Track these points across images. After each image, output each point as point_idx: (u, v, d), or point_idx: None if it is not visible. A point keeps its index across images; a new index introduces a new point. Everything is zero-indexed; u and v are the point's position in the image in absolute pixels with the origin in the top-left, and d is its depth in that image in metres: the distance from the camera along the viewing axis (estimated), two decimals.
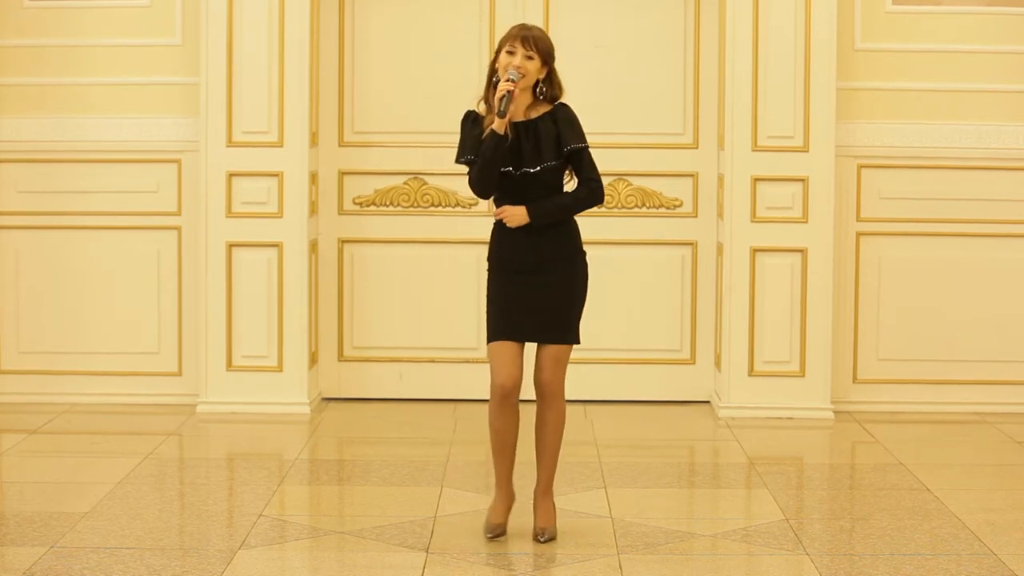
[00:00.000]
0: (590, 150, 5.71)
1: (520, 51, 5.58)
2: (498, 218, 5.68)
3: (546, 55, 5.61)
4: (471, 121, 5.67)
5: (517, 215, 5.64)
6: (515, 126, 5.62)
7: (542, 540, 5.70)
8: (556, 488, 6.48)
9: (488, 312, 5.73)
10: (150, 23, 8.08)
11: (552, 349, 5.70)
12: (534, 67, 5.59)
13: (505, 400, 5.65)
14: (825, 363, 7.97)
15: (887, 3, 8.07)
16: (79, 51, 8.09)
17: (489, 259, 5.78)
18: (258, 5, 7.85)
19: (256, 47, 7.87)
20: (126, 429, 7.68)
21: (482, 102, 5.71)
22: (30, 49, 8.09)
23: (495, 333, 5.68)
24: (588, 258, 8.30)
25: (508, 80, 5.51)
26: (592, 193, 5.71)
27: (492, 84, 5.65)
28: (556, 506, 5.87)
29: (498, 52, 5.65)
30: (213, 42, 7.87)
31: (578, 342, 5.80)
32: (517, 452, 5.78)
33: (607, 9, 8.19)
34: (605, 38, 8.21)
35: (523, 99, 5.65)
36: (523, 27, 5.66)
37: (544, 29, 8.11)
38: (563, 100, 5.75)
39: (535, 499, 5.80)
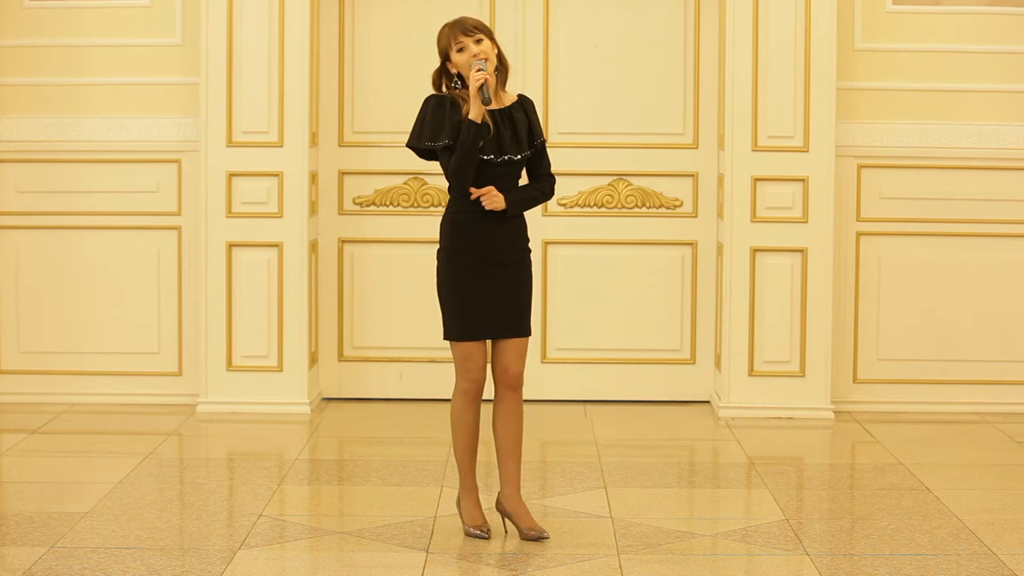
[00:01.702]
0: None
1: (468, 41, 5.59)
2: (478, 196, 5.61)
3: (489, 32, 5.65)
4: (449, 105, 5.63)
5: (498, 200, 5.62)
6: (491, 114, 5.62)
7: (545, 537, 5.67)
8: (556, 488, 6.50)
9: (446, 307, 5.70)
10: (150, 23, 8.09)
11: (516, 342, 5.70)
12: (488, 47, 5.61)
13: (477, 396, 5.69)
14: (825, 363, 7.97)
15: (887, 3, 8.08)
16: (79, 51, 8.09)
17: (443, 249, 5.73)
18: (258, 5, 7.85)
19: (256, 47, 7.87)
20: (126, 429, 7.68)
21: (448, 95, 5.69)
22: (30, 49, 8.09)
23: (461, 333, 5.66)
24: (588, 258, 8.32)
25: (480, 70, 5.51)
26: (552, 188, 5.83)
27: (451, 87, 5.64)
28: (556, 506, 5.87)
29: (445, 58, 5.63)
30: (213, 42, 7.87)
31: (531, 333, 5.79)
32: (485, 452, 5.76)
33: (607, 9, 8.19)
34: (605, 38, 8.21)
35: (491, 84, 5.65)
36: (454, 23, 5.66)
37: (545, 28, 8.15)
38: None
39: (510, 502, 5.71)
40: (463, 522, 5.79)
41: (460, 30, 5.61)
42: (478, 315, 5.65)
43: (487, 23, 8.08)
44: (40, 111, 8.12)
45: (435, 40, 5.68)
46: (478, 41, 5.58)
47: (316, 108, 8.14)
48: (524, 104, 5.73)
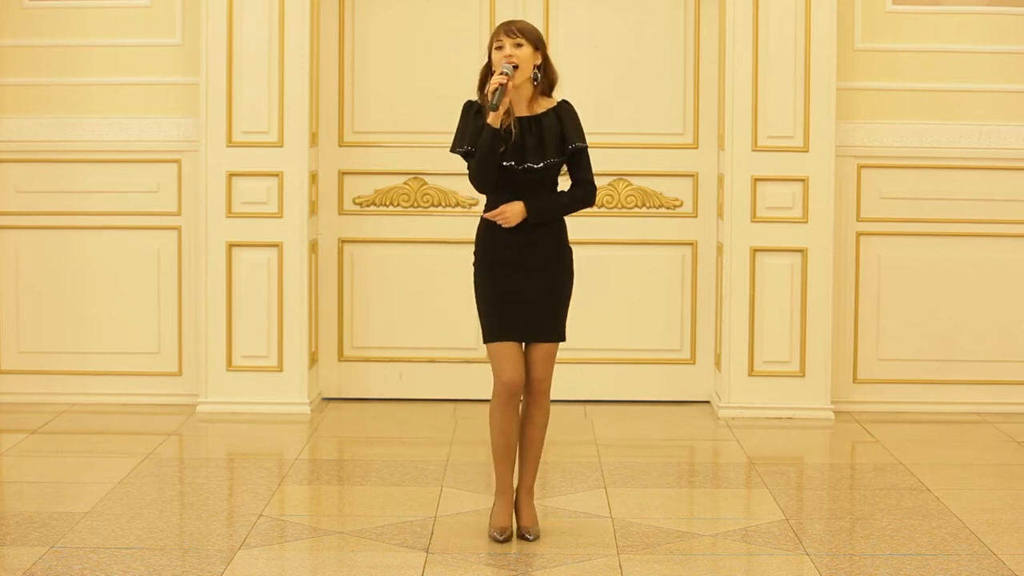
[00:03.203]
0: (589, 151, 5.71)
1: (507, 42, 5.57)
2: (494, 219, 5.64)
3: (535, 40, 5.60)
4: (474, 111, 5.65)
5: (515, 213, 5.62)
6: (518, 121, 5.61)
7: (530, 539, 5.69)
8: (556, 488, 6.49)
9: (482, 310, 5.71)
10: (150, 23, 8.09)
11: (544, 347, 5.70)
12: (526, 54, 5.58)
13: (511, 399, 5.66)
14: (825, 363, 7.97)
15: (887, 3, 8.08)
16: (79, 51, 8.09)
17: (476, 254, 5.73)
18: (258, 5, 7.85)
19: (256, 47, 7.87)
20: (126, 429, 7.68)
21: (478, 100, 5.71)
22: (30, 49, 8.09)
23: (495, 334, 5.66)
24: (588, 258, 8.31)
25: (501, 73, 5.51)
26: (588, 196, 5.74)
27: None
28: (556, 506, 5.87)
29: (489, 54, 5.65)
30: (213, 42, 7.87)
31: (565, 339, 5.79)
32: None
33: (607, 9, 8.19)
34: (605, 38, 8.21)
35: (524, 92, 5.63)
36: (506, 22, 5.66)
37: (545, 28, 8.14)
38: (564, 97, 5.75)
39: (518, 498, 5.78)
40: (489, 522, 5.80)
41: (504, 30, 5.60)
42: (507, 318, 5.64)
43: (487, 23, 8.11)
44: (40, 111, 8.12)
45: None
46: (518, 45, 5.57)
47: (316, 108, 8.14)
48: (559, 110, 5.68)
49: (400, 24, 8.20)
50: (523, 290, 5.65)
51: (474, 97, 5.70)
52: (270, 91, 7.89)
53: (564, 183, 5.78)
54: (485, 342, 5.71)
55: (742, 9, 7.84)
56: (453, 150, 5.70)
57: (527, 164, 5.61)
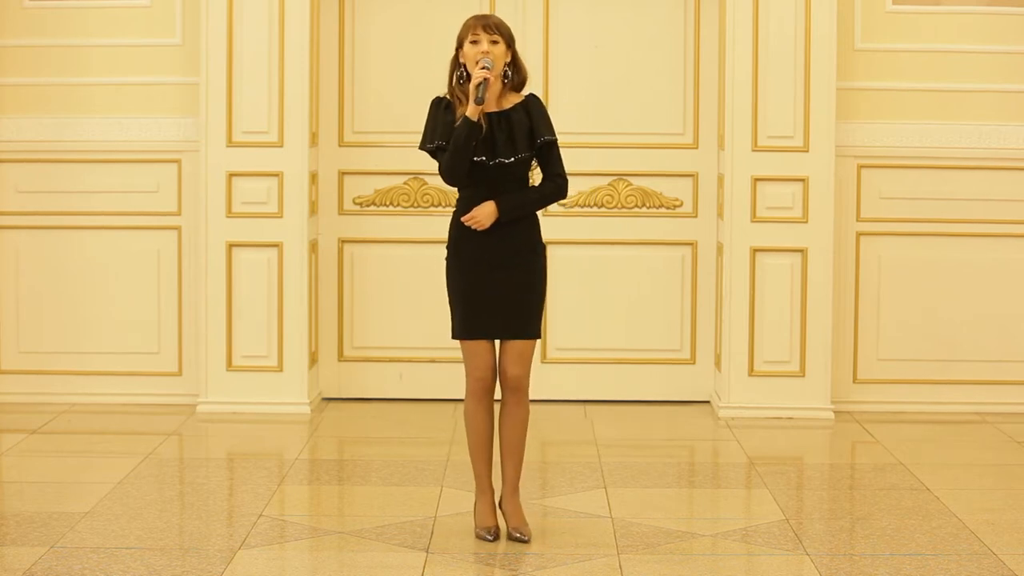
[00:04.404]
0: (559, 145, 5.72)
1: (484, 37, 5.59)
2: (467, 223, 5.63)
3: (509, 38, 5.63)
4: (444, 107, 5.66)
5: (486, 215, 5.62)
6: (488, 116, 5.62)
7: (524, 540, 5.68)
8: (556, 488, 6.49)
9: (453, 307, 5.71)
10: (150, 23, 8.09)
11: (519, 344, 5.68)
12: (500, 51, 5.60)
13: (485, 394, 5.68)
14: (825, 363, 7.97)
15: (887, 3, 8.08)
16: (79, 51, 8.09)
17: (449, 250, 5.73)
18: (258, 5, 7.85)
19: (256, 47, 7.87)
20: (126, 429, 7.68)
21: (446, 96, 5.71)
22: (30, 49, 8.09)
23: (467, 331, 5.66)
24: (588, 258, 8.31)
25: (483, 68, 5.51)
26: (558, 189, 5.73)
27: (460, 79, 5.65)
28: (556, 506, 5.86)
29: (459, 46, 5.65)
30: (213, 42, 7.87)
31: (539, 337, 5.77)
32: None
33: (607, 9, 8.19)
34: (605, 38, 8.21)
35: (493, 88, 5.64)
36: (480, 16, 5.68)
37: (545, 28, 8.15)
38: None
39: (504, 499, 5.76)
40: (474, 523, 5.79)
41: (482, 24, 5.61)
42: (479, 314, 5.65)
43: None
44: (40, 111, 8.12)
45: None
46: (494, 42, 5.59)
47: (316, 108, 8.14)
48: (528, 104, 5.68)
49: (400, 24, 8.20)
50: (497, 287, 5.64)
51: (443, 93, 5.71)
52: (270, 91, 7.89)
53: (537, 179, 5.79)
54: (455, 338, 5.71)
55: (742, 9, 7.84)
56: (423, 147, 5.69)
57: (498, 159, 5.61)
